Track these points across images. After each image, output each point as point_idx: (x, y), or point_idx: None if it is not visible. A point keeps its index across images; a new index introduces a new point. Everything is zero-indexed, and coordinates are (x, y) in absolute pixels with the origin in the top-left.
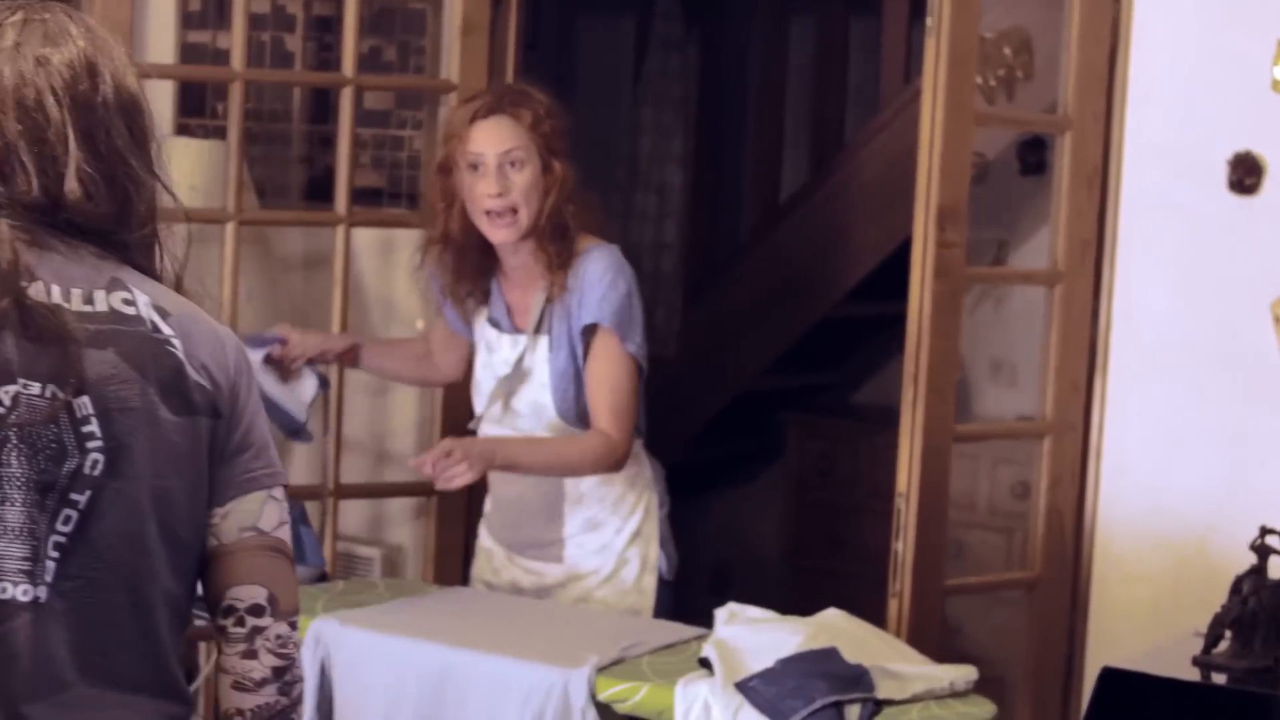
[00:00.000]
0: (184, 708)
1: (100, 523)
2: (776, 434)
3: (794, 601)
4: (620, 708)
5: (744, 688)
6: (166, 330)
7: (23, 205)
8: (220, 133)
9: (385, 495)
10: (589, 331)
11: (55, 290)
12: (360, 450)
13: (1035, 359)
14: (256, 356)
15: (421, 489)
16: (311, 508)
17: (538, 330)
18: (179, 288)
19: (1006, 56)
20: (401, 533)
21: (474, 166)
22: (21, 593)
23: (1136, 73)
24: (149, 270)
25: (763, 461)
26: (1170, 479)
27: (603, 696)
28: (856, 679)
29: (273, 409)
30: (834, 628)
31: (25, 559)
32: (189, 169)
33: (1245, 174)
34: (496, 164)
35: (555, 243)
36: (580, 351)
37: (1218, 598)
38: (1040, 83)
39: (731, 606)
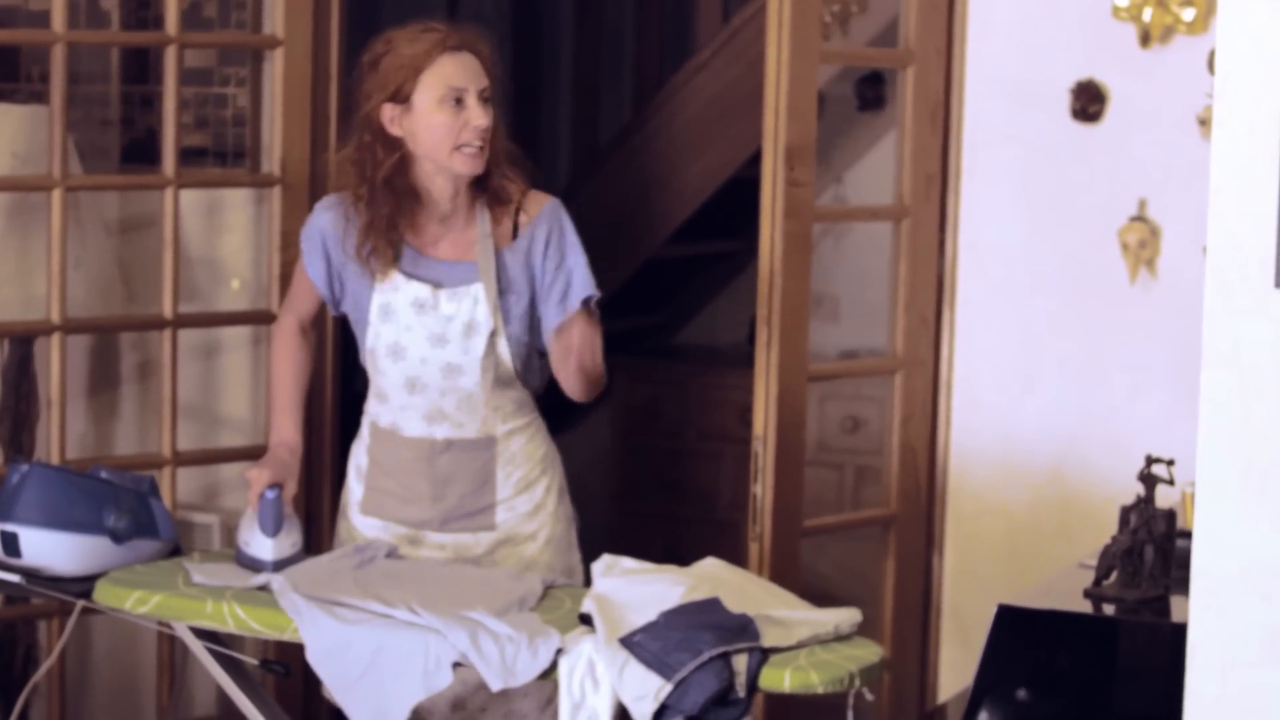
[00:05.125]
0: None
1: None
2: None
3: (626, 545)
4: None
5: (628, 643)
6: None
7: None
8: (36, 97)
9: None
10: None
11: None
12: (193, 415)
13: (863, 293)
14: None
15: (256, 452)
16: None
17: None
18: None
19: None
20: (239, 497)
21: (456, 100)
22: None
23: (976, 5)
24: None
25: (588, 407)
26: (1021, 410)
27: None
28: (742, 628)
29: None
30: (714, 578)
31: None
32: (10, 136)
33: (1088, 102)
34: (478, 98)
35: (500, 187)
36: (544, 300)
37: (1073, 526)
38: (871, 14)
39: (607, 558)
